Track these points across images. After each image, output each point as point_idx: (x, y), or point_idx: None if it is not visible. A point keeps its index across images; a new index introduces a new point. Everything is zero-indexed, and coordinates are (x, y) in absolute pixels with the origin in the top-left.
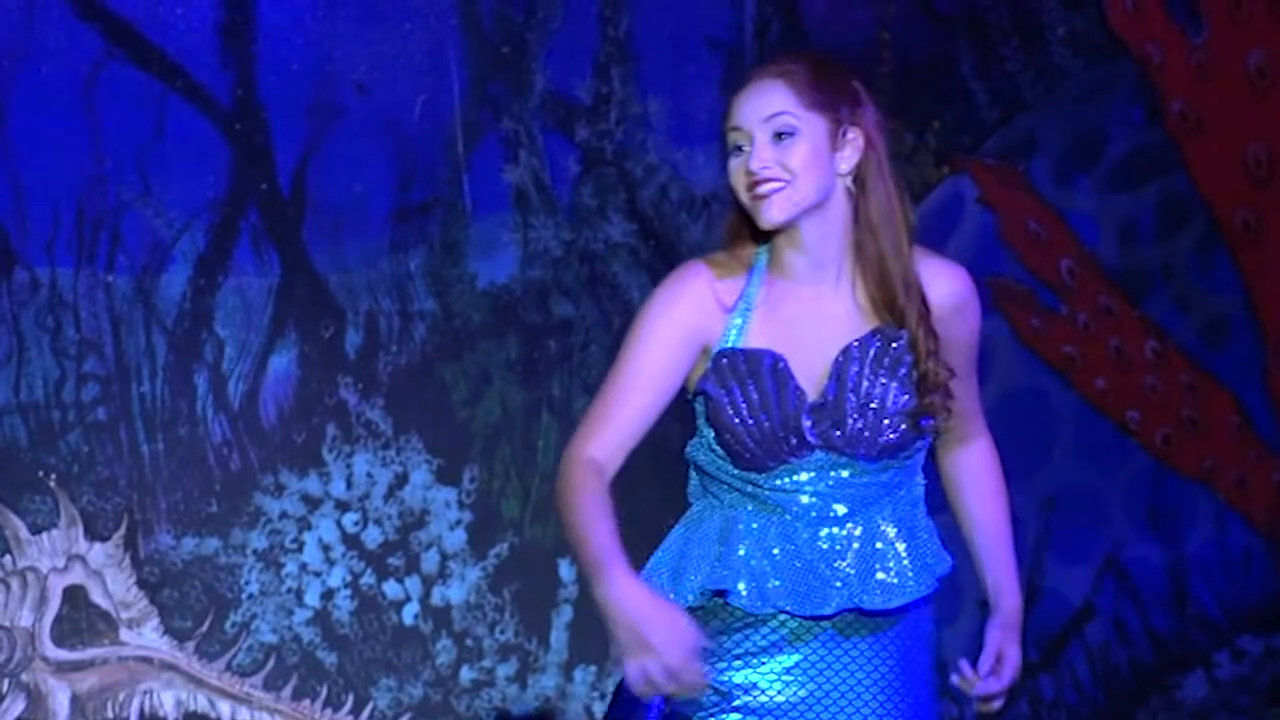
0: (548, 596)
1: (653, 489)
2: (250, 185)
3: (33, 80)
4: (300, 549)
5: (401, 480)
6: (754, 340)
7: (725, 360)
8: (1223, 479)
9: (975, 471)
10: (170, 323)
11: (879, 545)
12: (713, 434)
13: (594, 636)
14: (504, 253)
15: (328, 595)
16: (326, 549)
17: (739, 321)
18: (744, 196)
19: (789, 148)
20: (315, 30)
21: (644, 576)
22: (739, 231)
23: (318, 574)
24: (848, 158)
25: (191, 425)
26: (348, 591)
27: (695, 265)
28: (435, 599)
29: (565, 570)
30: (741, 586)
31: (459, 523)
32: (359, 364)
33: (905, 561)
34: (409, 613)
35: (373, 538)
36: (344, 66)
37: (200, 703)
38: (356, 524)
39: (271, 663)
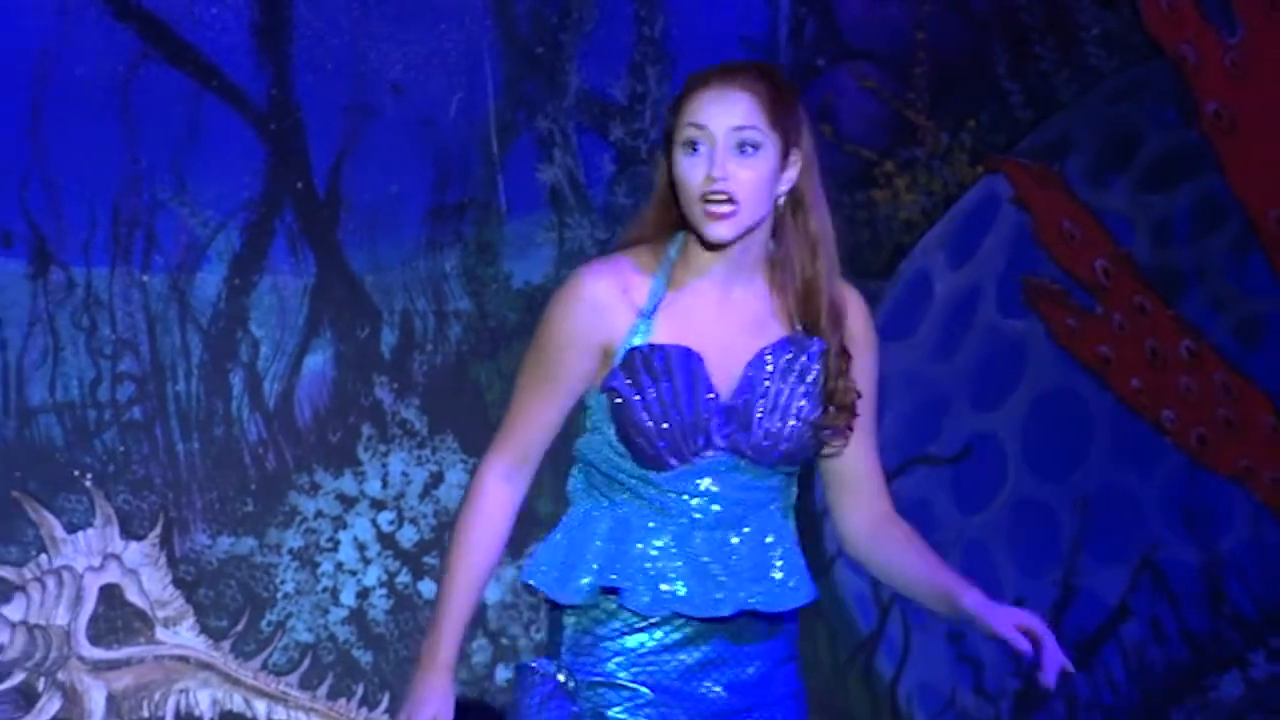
0: None
1: None
2: (286, 185)
3: (68, 80)
4: (336, 548)
5: (437, 479)
6: (664, 337)
7: (638, 357)
8: (1258, 479)
9: (902, 538)
10: (205, 322)
11: (771, 550)
12: (614, 431)
13: None
14: (539, 252)
15: (363, 594)
16: (362, 548)
17: (647, 319)
18: (694, 202)
19: (749, 162)
20: (350, 30)
21: (526, 571)
22: (662, 222)
23: (353, 573)
24: (789, 178)
25: (227, 425)
26: (383, 590)
27: (599, 266)
28: None
29: None
30: (640, 589)
31: None
32: (394, 363)
33: (794, 564)
34: None
35: (408, 537)
36: (379, 66)
37: (236, 702)
38: (392, 523)
39: (307, 662)
